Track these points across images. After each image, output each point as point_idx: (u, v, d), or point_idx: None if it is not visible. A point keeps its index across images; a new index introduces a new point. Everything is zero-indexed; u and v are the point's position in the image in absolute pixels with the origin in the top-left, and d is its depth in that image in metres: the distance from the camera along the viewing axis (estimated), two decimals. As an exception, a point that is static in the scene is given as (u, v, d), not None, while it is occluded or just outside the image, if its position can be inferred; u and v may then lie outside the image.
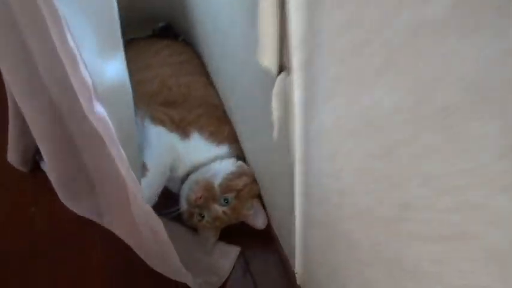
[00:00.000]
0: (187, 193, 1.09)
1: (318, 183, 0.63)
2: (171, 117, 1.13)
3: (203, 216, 1.08)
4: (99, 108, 0.64)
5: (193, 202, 1.05)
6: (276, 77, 0.61)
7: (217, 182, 1.07)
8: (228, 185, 1.07)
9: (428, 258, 0.39)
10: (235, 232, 1.15)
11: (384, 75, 0.35)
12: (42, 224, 1.15)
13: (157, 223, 0.82)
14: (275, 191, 0.99)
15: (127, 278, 1.06)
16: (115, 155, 0.70)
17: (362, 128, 0.42)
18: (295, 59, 0.47)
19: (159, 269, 0.89)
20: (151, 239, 0.83)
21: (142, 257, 0.93)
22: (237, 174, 1.09)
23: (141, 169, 1.06)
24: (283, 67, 0.60)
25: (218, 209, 1.07)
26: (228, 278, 1.11)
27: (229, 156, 1.17)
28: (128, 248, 1.06)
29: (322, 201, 0.64)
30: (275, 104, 0.67)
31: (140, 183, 0.93)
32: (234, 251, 1.14)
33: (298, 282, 1.04)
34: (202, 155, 1.14)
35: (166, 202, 1.15)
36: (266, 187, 1.09)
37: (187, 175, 1.16)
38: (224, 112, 1.24)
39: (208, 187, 1.06)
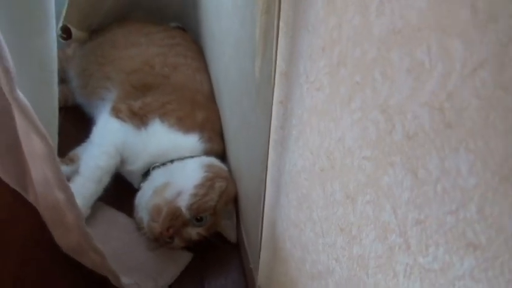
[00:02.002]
0: (147, 216, 0.87)
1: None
2: (130, 106, 0.98)
3: (172, 238, 0.85)
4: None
5: (159, 235, 0.83)
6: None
7: (184, 203, 0.83)
8: (199, 205, 0.84)
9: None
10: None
11: None
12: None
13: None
14: (250, 183, 0.78)
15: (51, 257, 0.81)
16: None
17: None
18: None
19: (66, 250, 0.64)
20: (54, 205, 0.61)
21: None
22: (208, 184, 0.87)
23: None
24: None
25: (191, 231, 0.85)
26: (172, 288, 0.85)
27: (198, 149, 0.98)
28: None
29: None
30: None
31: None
32: (184, 256, 0.89)
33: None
34: (163, 145, 0.95)
35: (128, 200, 0.94)
36: (243, 182, 0.88)
37: (147, 167, 0.96)
38: (208, 98, 1.09)
39: (174, 215, 0.82)
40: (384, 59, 0.26)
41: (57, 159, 0.53)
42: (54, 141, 0.76)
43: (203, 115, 1.02)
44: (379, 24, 0.27)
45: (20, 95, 0.47)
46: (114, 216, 0.94)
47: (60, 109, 1.28)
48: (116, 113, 0.97)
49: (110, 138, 0.95)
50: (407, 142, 0.24)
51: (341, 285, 0.36)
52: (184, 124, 0.97)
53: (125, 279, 0.75)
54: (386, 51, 0.26)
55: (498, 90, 0.17)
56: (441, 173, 0.21)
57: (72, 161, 0.99)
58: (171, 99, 1.01)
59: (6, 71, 0.44)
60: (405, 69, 0.24)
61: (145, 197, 0.90)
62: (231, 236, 0.93)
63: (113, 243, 0.85)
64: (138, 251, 0.87)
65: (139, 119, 0.96)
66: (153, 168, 0.96)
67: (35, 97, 0.60)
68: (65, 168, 0.96)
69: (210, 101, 1.10)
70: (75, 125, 1.22)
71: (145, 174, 0.96)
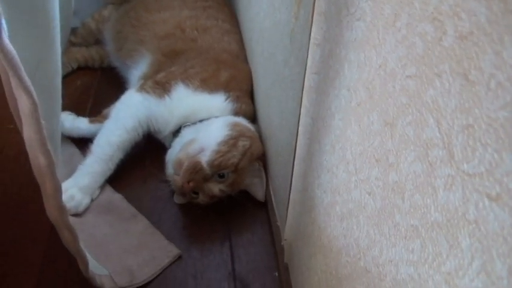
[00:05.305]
0: (172, 170, 0.90)
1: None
2: (154, 78, 1.00)
3: (197, 193, 0.87)
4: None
5: (181, 188, 0.85)
6: None
7: (205, 158, 0.84)
8: (220, 162, 0.84)
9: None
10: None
11: None
12: None
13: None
14: (281, 139, 0.78)
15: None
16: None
17: None
18: None
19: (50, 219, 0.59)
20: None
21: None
22: (231, 142, 0.87)
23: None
24: None
25: (213, 187, 0.86)
26: (202, 242, 0.87)
27: (226, 109, 0.98)
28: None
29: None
30: None
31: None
32: (170, 255, 0.83)
33: (285, 259, 0.79)
34: (190, 107, 0.96)
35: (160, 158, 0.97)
36: (273, 139, 0.87)
37: (178, 127, 0.98)
38: (236, 57, 1.09)
39: (195, 169, 0.83)
40: (437, -37, 0.25)
41: (42, 121, 0.49)
42: (58, 103, 0.70)
43: (228, 74, 1.01)
44: None
45: (6, 42, 0.41)
46: (112, 200, 0.92)
47: (96, 70, 1.33)
48: (141, 87, 0.99)
49: (130, 112, 0.96)
50: (460, 44, 0.23)
51: (373, 217, 0.36)
52: (208, 85, 0.98)
53: (95, 269, 0.71)
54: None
55: None
56: (496, 68, 0.20)
57: (105, 118, 1.01)
58: (194, 63, 1.02)
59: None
60: (461, -35, 0.23)
61: (174, 153, 0.91)
62: (259, 194, 0.94)
63: (103, 228, 0.85)
64: (125, 240, 0.85)
65: (162, 88, 0.98)
66: (184, 127, 0.97)
67: (36, 54, 0.57)
68: (99, 126, 0.99)
69: (238, 60, 1.09)
70: (111, 84, 1.25)
71: (176, 132, 0.98)
